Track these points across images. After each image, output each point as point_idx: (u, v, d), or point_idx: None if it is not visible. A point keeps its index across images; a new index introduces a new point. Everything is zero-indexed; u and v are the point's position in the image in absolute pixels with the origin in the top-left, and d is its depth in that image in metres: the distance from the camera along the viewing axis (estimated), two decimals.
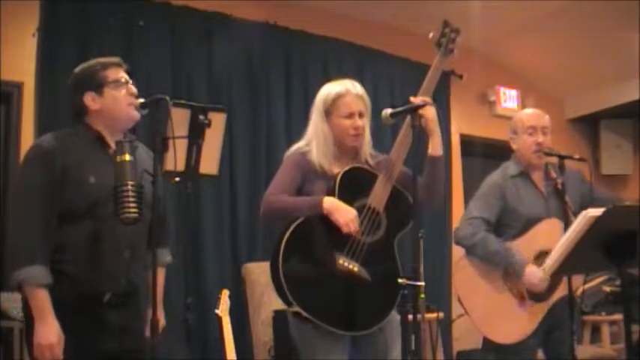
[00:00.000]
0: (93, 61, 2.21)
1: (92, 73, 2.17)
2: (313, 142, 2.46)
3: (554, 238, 2.67)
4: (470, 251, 2.85)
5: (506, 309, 2.78)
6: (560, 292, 2.78)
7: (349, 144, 2.47)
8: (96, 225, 2.08)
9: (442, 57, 2.47)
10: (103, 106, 2.15)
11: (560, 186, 2.86)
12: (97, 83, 2.15)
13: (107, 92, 2.15)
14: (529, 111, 3.08)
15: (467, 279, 2.86)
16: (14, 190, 2.15)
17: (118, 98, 2.15)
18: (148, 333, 2.09)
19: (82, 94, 2.15)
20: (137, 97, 2.16)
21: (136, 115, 2.17)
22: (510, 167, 2.96)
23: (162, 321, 2.31)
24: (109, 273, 2.10)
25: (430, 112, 2.33)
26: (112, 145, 2.16)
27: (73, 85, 2.19)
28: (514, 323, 2.76)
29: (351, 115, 2.44)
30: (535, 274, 2.71)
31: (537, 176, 2.93)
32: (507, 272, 2.81)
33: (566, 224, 2.65)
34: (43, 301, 2.00)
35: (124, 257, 2.13)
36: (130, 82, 2.20)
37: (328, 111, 2.45)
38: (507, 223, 2.86)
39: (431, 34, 2.48)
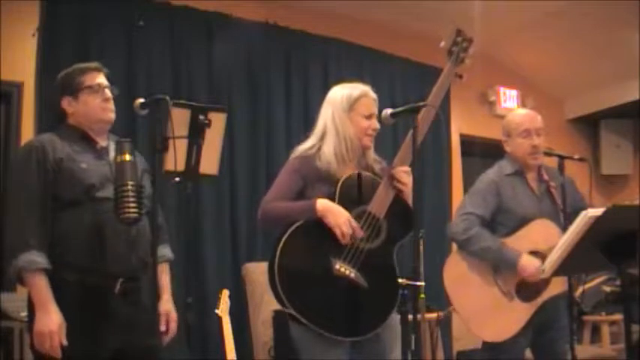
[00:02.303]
0: (74, 67, 2.33)
1: (70, 79, 2.28)
2: (330, 137, 2.44)
3: (546, 238, 2.69)
4: (463, 246, 2.85)
5: (495, 307, 2.78)
6: (549, 291, 2.79)
7: (365, 144, 2.47)
8: (96, 208, 2.12)
9: (453, 66, 2.47)
10: (77, 110, 2.26)
11: (553, 189, 2.87)
12: (73, 88, 2.26)
13: (81, 97, 2.26)
14: (521, 112, 3.08)
15: (457, 275, 2.86)
16: (8, 188, 2.19)
17: (90, 103, 2.25)
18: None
19: (60, 98, 2.27)
20: (112, 101, 2.29)
21: (110, 117, 2.28)
22: (506, 166, 2.96)
23: (173, 315, 2.36)
24: (118, 253, 2.13)
25: (408, 182, 2.36)
26: (98, 141, 2.27)
27: (54, 90, 2.30)
28: (502, 321, 2.77)
29: (370, 116, 2.47)
30: (531, 263, 2.72)
31: (531, 177, 2.94)
32: (498, 270, 2.81)
33: (564, 226, 2.66)
34: (42, 287, 2.02)
35: (131, 235, 2.15)
36: (108, 86, 2.30)
37: (351, 108, 2.46)
38: (500, 221, 2.87)
39: (442, 43, 2.48)
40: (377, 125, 2.48)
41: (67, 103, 2.26)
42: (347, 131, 2.43)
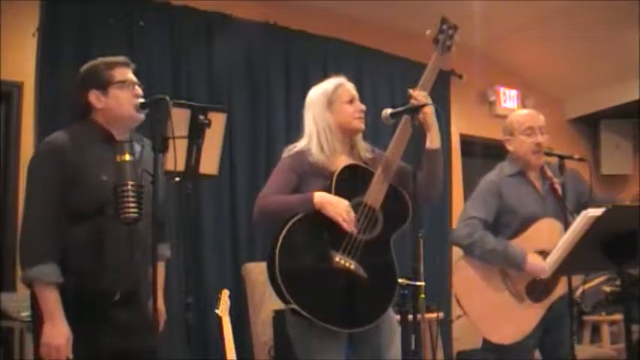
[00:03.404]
0: (100, 60, 2.22)
1: (99, 72, 2.17)
2: (314, 137, 2.45)
3: (553, 237, 2.67)
4: (468, 251, 2.84)
5: (505, 309, 2.78)
6: (559, 291, 2.78)
7: (356, 127, 2.47)
8: (106, 224, 2.08)
9: (439, 54, 2.47)
10: (107, 106, 2.16)
11: (557, 185, 2.86)
12: (102, 82, 2.16)
13: (112, 92, 2.16)
14: (524, 112, 3.09)
15: (465, 279, 2.86)
16: (26, 188, 2.13)
17: (122, 99, 2.16)
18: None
19: (87, 91, 2.16)
20: (142, 98, 2.18)
21: (139, 116, 2.18)
22: (507, 167, 2.96)
23: (163, 313, 2.35)
24: (121, 272, 2.11)
25: (428, 107, 2.34)
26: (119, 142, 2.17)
27: (79, 83, 2.19)
28: (513, 323, 2.76)
29: (353, 100, 2.48)
30: (538, 262, 2.71)
31: (534, 176, 2.93)
32: (506, 272, 2.81)
33: (565, 224, 2.65)
34: (53, 300, 2.00)
35: (136, 255, 2.13)
36: (137, 82, 2.22)
37: (331, 101, 2.47)
38: (504, 222, 2.86)
39: (428, 31, 2.48)
40: (362, 106, 2.49)
41: (95, 98, 2.15)
42: (331, 125, 2.44)
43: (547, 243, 2.73)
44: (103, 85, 2.15)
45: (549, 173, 2.91)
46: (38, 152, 2.16)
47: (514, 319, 2.77)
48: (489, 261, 2.79)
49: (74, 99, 2.21)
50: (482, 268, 2.82)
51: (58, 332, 1.99)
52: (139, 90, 2.20)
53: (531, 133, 2.88)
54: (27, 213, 2.09)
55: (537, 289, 2.77)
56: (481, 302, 2.81)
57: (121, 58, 2.23)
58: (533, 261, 2.72)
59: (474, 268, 2.84)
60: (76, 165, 2.07)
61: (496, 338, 2.78)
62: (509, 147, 2.96)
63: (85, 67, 2.22)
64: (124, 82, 2.17)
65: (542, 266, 2.68)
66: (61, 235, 2.04)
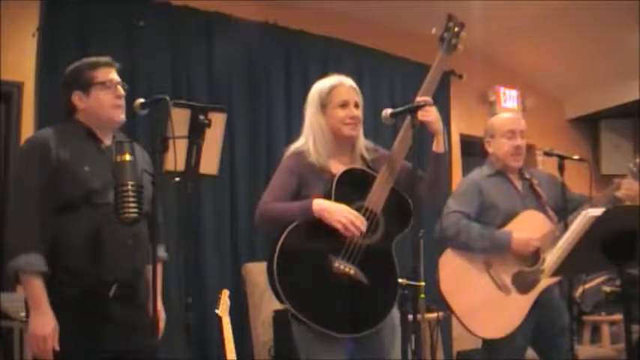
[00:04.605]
0: (84, 60, 2.25)
1: (81, 73, 2.21)
2: (310, 138, 2.43)
3: (536, 228, 2.73)
4: (454, 242, 2.86)
5: (493, 303, 2.79)
6: (545, 282, 2.79)
7: (346, 134, 2.42)
8: (95, 214, 2.09)
9: (445, 53, 2.43)
10: (88, 106, 2.20)
11: (536, 186, 2.93)
12: (84, 83, 2.19)
13: (93, 93, 2.19)
14: (506, 115, 3.18)
15: (451, 275, 2.87)
16: (11, 181, 2.17)
17: (103, 100, 2.19)
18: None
19: (70, 92, 2.21)
20: (124, 98, 2.22)
21: (120, 116, 2.23)
22: (486, 168, 3.02)
23: (163, 315, 2.34)
24: (114, 262, 2.11)
25: (433, 114, 2.32)
26: (104, 140, 2.22)
27: (64, 83, 2.24)
28: (501, 317, 2.77)
29: (345, 104, 2.42)
30: (523, 237, 2.76)
31: (513, 176, 2.99)
32: (490, 264, 2.82)
33: (565, 222, 2.68)
34: (38, 290, 2.00)
35: (128, 245, 2.13)
36: (120, 82, 2.24)
37: (324, 104, 2.43)
38: (486, 219, 2.88)
39: (434, 30, 2.43)
40: (354, 112, 2.42)
41: (77, 99, 2.19)
42: (323, 129, 2.42)
43: (531, 234, 2.76)
44: (85, 86, 2.19)
45: (527, 174, 2.97)
46: (23, 146, 2.21)
47: (502, 313, 2.78)
48: (475, 248, 2.81)
49: (61, 99, 2.25)
50: (467, 261, 2.85)
51: (44, 322, 1.99)
52: (121, 91, 2.23)
53: (512, 136, 2.94)
54: (11, 205, 2.09)
55: (523, 280, 2.79)
56: (467, 297, 2.82)
57: (105, 59, 2.26)
58: (519, 237, 2.76)
59: (459, 262, 2.86)
60: (58, 159, 2.09)
61: (485, 333, 2.79)
62: (489, 149, 3.02)
63: (69, 67, 2.25)
64: (104, 83, 2.20)
65: (527, 239, 2.74)
66: (47, 226, 2.05)
